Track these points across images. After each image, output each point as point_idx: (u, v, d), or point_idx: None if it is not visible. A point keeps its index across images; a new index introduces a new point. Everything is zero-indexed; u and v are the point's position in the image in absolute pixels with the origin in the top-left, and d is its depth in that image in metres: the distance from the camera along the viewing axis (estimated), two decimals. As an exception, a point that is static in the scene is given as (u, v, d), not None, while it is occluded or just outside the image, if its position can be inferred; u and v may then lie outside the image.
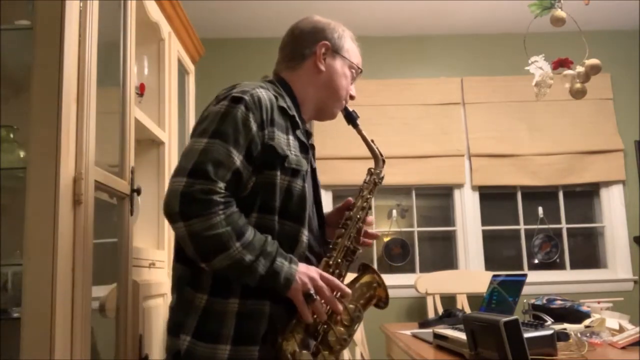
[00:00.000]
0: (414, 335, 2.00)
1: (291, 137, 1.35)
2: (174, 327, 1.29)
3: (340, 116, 1.57)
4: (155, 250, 1.99)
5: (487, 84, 3.78)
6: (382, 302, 1.41)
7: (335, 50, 1.50)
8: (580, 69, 2.09)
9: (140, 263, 1.77)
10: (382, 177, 1.53)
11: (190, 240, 1.18)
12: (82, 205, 1.32)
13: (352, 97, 1.56)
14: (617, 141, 3.70)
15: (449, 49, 3.87)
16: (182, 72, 2.51)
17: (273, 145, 1.29)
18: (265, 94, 1.32)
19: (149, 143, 2.08)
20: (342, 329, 1.30)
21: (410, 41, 3.85)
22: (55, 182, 1.24)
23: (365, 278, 1.40)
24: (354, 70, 1.54)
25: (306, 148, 1.39)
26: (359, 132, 1.52)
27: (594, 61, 2.06)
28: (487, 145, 3.71)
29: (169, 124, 2.17)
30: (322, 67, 1.48)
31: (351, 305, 1.34)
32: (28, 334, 1.20)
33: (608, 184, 3.73)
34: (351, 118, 1.53)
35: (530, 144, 3.70)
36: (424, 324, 2.26)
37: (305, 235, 1.33)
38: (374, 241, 1.57)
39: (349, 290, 1.32)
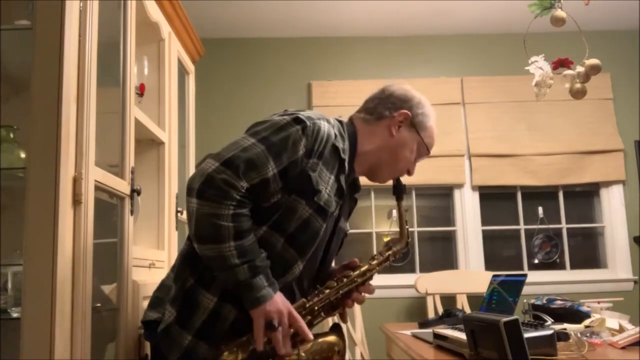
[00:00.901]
0: (414, 335, 2.00)
1: (333, 178, 1.37)
2: (157, 301, 1.38)
3: None
4: (155, 250, 1.99)
5: (487, 84, 3.78)
6: None
7: (413, 125, 1.52)
8: (580, 69, 2.09)
9: (140, 263, 1.77)
10: (398, 258, 1.54)
11: (195, 218, 1.23)
12: (82, 205, 1.32)
13: (409, 173, 1.56)
14: (617, 141, 3.70)
15: (449, 49, 3.87)
16: (182, 72, 2.51)
17: (311, 176, 1.31)
18: (326, 128, 1.35)
19: (149, 143, 2.08)
20: None
21: (410, 41, 3.85)
22: (55, 182, 1.24)
23: (331, 338, 1.38)
24: (422, 150, 1.55)
25: (342, 194, 1.40)
26: (399, 207, 1.52)
27: (594, 61, 2.06)
28: (487, 145, 3.71)
29: (169, 124, 2.17)
30: (395, 133, 1.49)
31: (303, 354, 1.31)
32: (28, 334, 1.20)
33: (608, 184, 3.73)
34: (399, 190, 1.52)
35: (530, 144, 3.70)
36: (424, 324, 2.26)
37: (299, 268, 1.34)
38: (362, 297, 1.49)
39: (311, 337, 1.29)
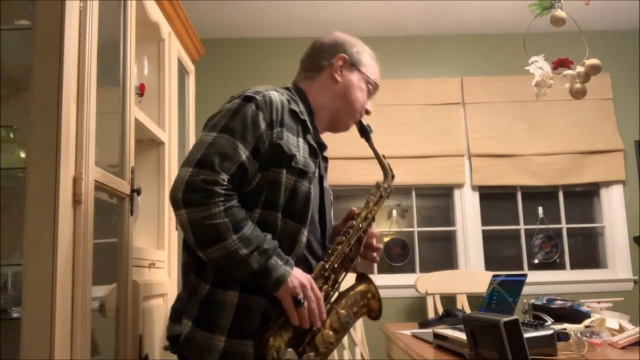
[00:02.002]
0: (414, 335, 2.00)
1: (301, 140, 1.39)
2: (176, 313, 1.34)
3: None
4: (155, 250, 1.99)
5: (487, 84, 3.78)
6: (374, 313, 1.43)
7: (352, 64, 1.54)
8: (580, 69, 2.09)
9: (140, 263, 1.77)
10: (390, 192, 1.56)
11: (190, 228, 1.23)
12: (82, 205, 1.32)
13: (367, 112, 1.59)
14: (617, 141, 3.70)
15: (449, 49, 3.86)
16: (182, 72, 2.51)
17: (281, 144, 1.32)
18: (277, 96, 1.37)
19: (149, 143, 2.08)
20: (330, 332, 1.33)
21: (410, 41, 3.85)
22: (55, 182, 1.24)
23: (361, 287, 1.43)
24: (370, 86, 1.58)
25: (315, 152, 1.42)
26: (371, 145, 1.56)
27: (594, 61, 2.05)
28: (487, 145, 3.71)
29: (169, 124, 2.17)
30: (339, 78, 1.52)
31: (343, 311, 1.36)
32: (28, 334, 1.20)
33: (608, 184, 3.73)
34: (364, 132, 1.56)
35: (530, 144, 3.70)
36: (424, 324, 2.26)
37: (304, 236, 1.35)
38: (378, 255, 1.55)
39: (324, 316, 1.32)
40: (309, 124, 1.44)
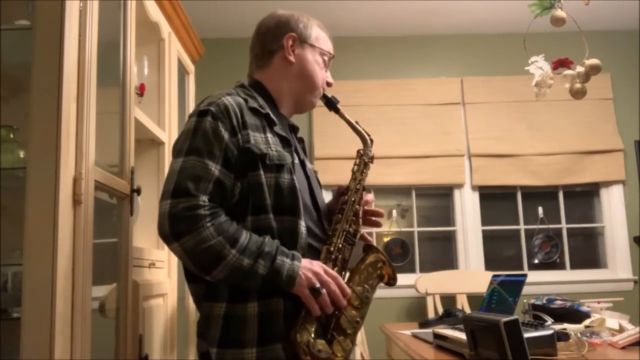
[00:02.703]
0: (414, 335, 2.00)
1: (269, 135, 1.36)
2: (200, 331, 1.31)
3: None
4: (155, 250, 1.99)
5: (487, 84, 3.78)
6: (391, 279, 1.43)
7: (303, 40, 1.49)
8: (580, 69, 2.09)
9: (140, 263, 1.77)
10: (372, 157, 1.53)
11: (188, 258, 1.22)
12: (82, 205, 1.31)
13: (329, 84, 1.55)
14: (617, 141, 3.70)
15: (449, 49, 3.87)
16: (182, 72, 2.51)
17: (249, 147, 1.30)
18: (232, 100, 1.34)
19: (149, 143, 2.08)
20: (353, 312, 1.33)
21: (410, 41, 3.85)
22: (55, 182, 1.24)
23: (370, 258, 1.41)
24: (326, 57, 1.54)
25: (288, 141, 1.40)
26: (342, 116, 1.52)
27: (594, 61, 2.05)
28: (487, 145, 3.71)
29: (169, 124, 2.17)
30: (292, 59, 1.47)
31: (359, 288, 1.36)
32: (28, 334, 1.19)
33: (608, 184, 3.73)
34: (332, 104, 1.52)
35: (530, 144, 3.70)
36: (424, 324, 2.26)
37: (303, 227, 1.33)
38: (380, 219, 1.55)
39: (349, 291, 1.32)
40: (272, 116, 1.40)
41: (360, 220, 1.47)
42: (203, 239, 1.19)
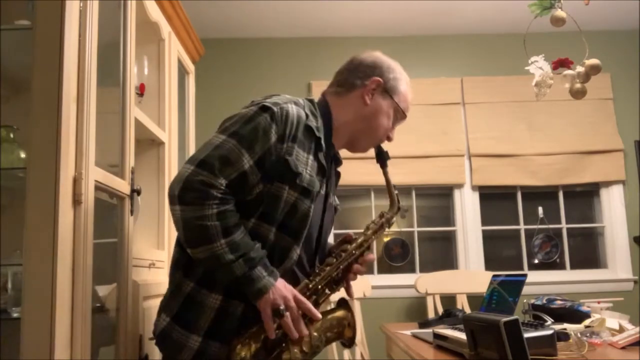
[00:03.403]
0: (414, 335, 2.00)
1: (311, 157, 1.37)
2: (160, 307, 1.37)
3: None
4: (155, 250, 1.99)
5: (487, 84, 3.78)
6: (347, 341, 1.40)
7: (386, 90, 1.50)
8: (580, 69, 2.09)
9: (140, 263, 1.77)
10: (392, 224, 1.53)
11: (182, 225, 1.24)
12: (82, 205, 1.32)
13: (389, 139, 1.57)
14: (617, 141, 3.70)
15: (449, 49, 3.87)
16: (182, 72, 2.51)
17: (288, 159, 1.31)
18: (295, 110, 1.35)
19: (149, 143, 2.08)
20: (298, 352, 1.29)
21: (410, 41, 3.85)
22: (55, 182, 1.24)
23: (339, 313, 1.39)
24: (399, 114, 1.55)
25: (324, 171, 1.41)
26: (385, 173, 1.52)
27: (594, 61, 2.05)
28: (487, 145, 3.71)
29: (169, 124, 2.17)
30: (368, 101, 1.49)
31: (315, 334, 1.33)
32: (28, 334, 1.20)
33: (608, 184, 3.73)
34: (382, 158, 1.53)
35: (530, 144, 3.70)
36: (424, 324, 2.26)
37: (296, 252, 1.35)
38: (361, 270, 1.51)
39: (319, 316, 1.31)
40: (322, 141, 1.41)
41: (350, 275, 1.45)
42: (202, 217, 1.21)
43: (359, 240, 1.45)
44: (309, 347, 1.31)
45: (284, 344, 1.29)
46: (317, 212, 1.40)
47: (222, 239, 1.22)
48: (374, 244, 1.52)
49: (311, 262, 1.43)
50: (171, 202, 1.25)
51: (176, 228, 1.27)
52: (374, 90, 1.49)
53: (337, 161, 1.55)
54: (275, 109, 1.31)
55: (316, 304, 1.37)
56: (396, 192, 1.54)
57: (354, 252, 1.43)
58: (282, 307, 1.24)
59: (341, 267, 1.41)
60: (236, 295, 1.28)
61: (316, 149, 1.39)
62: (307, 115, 1.38)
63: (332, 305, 1.49)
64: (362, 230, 1.49)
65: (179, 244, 1.37)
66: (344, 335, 1.38)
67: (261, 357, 1.27)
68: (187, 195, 1.22)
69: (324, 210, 1.46)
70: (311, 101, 1.48)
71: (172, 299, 1.33)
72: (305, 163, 1.34)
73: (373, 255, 1.52)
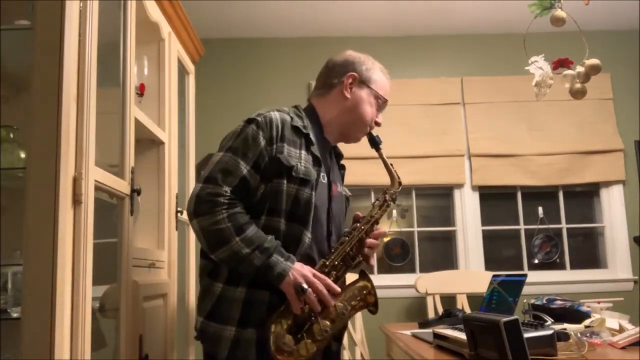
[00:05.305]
0: (414, 335, 2.00)
1: (304, 152, 1.53)
2: (196, 310, 1.54)
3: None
4: (155, 250, 1.99)
5: (487, 84, 3.78)
6: (371, 306, 1.55)
7: (362, 81, 1.66)
8: (580, 69, 2.09)
9: (140, 263, 1.77)
10: (396, 198, 1.68)
11: (201, 233, 1.42)
12: (82, 205, 1.32)
13: (377, 124, 1.71)
14: (617, 141, 3.70)
15: (449, 49, 3.87)
16: (182, 72, 2.51)
17: (280, 157, 1.48)
18: (278, 115, 1.54)
19: (149, 143, 2.08)
20: (327, 322, 1.44)
21: (410, 41, 3.86)
22: (55, 182, 1.24)
23: (360, 283, 1.54)
24: (380, 100, 1.69)
25: (319, 162, 1.56)
26: (381, 155, 1.67)
27: (594, 61, 2.05)
28: (487, 145, 3.71)
29: (169, 124, 2.17)
30: (348, 95, 1.65)
31: (340, 304, 1.47)
32: (28, 334, 1.20)
33: (608, 184, 3.73)
34: (374, 142, 1.68)
35: (530, 144, 3.70)
36: (424, 324, 2.26)
37: (307, 237, 1.49)
38: (380, 241, 1.66)
39: (338, 289, 1.46)
40: (312, 137, 1.57)
41: (365, 248, 1.59)
42: (216, 221, 1.39)
43: (367, 217, 1.60)
44: (335, 314, 1.45)
45: (313, 317, 1.43)
46: (321, 199, 1.55)
47: (236, 237, 1.39)
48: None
49: (325, 246, 1.57)
50: (190, 219, 1.43)
51: (198, 239, 1.45)
52: (351, 84, 1.65)
53: (338, 155, 1.75)
54: (259, 118, 1.51)
55: (337, 280, 1.50)
56: (394, 169, 1.68)
57: (362, 227, 1.58)
58: (303, 284, 1.39)
59: (354, 242, 1.55)
60: (261, 286, 1.43)
61: (307, 144, 1.55)
62: (291, 118, 1.56)
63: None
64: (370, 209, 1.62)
65: (202, 254, 1.54)
66: (367, 301, 1.54)
67: (294, 331, 1.42)
68: (200, 207, 1.41)
69: (330, 198, 1.60)
70: (295, 106, 1.66)
71: (203, 301, 1.50)
72: (298, 157, 1.51)
73: (384, 230, 1.69)
